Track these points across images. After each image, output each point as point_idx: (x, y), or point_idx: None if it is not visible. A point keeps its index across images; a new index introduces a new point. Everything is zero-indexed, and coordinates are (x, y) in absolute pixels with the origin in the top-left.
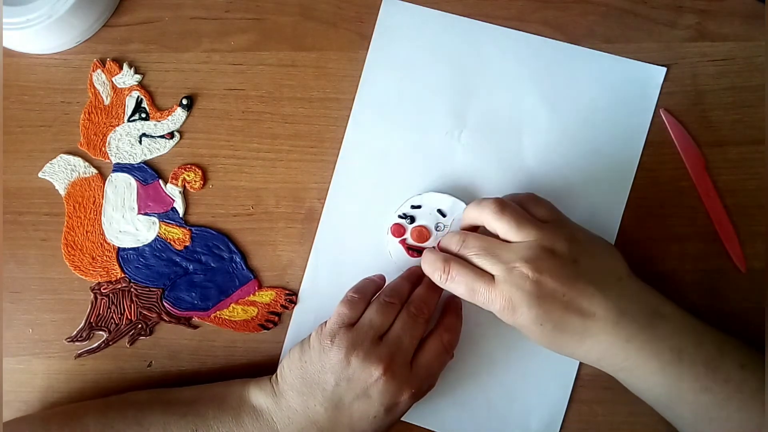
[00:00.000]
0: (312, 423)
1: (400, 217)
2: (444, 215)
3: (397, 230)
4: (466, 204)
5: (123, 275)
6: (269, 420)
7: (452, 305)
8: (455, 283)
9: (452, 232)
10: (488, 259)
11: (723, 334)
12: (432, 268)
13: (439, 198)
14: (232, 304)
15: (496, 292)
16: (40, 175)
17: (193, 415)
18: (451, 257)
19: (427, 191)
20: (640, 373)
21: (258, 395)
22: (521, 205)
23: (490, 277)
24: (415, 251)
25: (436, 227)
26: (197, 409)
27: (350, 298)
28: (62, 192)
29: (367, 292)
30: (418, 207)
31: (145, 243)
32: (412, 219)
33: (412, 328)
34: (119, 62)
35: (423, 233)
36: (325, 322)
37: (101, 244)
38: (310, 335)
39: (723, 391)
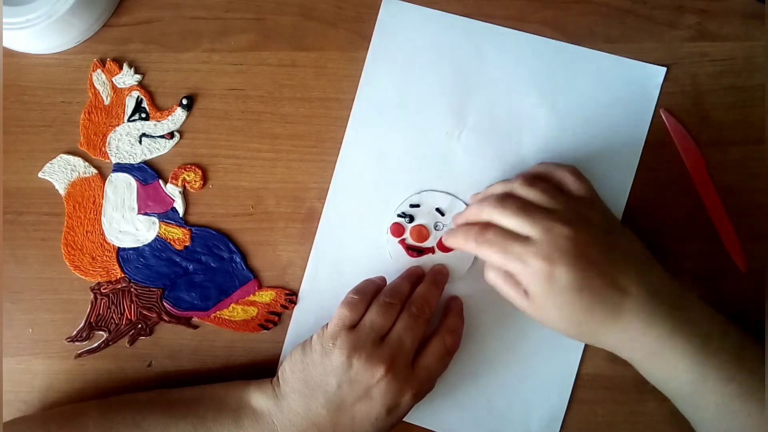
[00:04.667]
0: (313, 425)
1: (399, 216)
2: (443, 214)
3: (397, 230)
4: (465, 203)
5: (123, 275)
6: (270, 422)
7: (454, 306)
8: (488, 244)
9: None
10: (526, 218)
11: (741, 328)
12: (465, 234)
13: (437, 196)
14: (232, 304)
15: (533, 250)
16: (40, 175)
17: (193, 417)
18: (488, 224)
19: (425, 190)
20: (668, 357)
21: (259, 398)
22: (558, 177)
23: (526, 238)
24: (415, 251)
25: (435, 226)
26: (197, 411)
27: (350, 299)
28: (62, 192)
29: (368, 293)
30: (417, 206)
31: (145, 243)
32: (411, 218)
33: (414, 328)
34: (119, 62)
35: (422, 232)
36: (327, 324)
37: (101, 244)
38: (311, 337)
39: (747, 382)
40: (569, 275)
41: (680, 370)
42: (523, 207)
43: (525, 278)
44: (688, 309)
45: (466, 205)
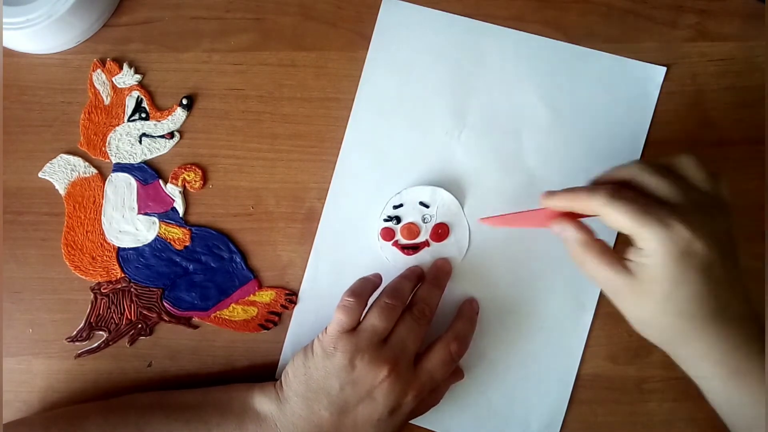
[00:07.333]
0: (316, 428)
1: (385, 220)
2: (427, 206)
3: (387, 234)
4: (445, 191)
5: (123, 275)
6: (273, 426)
7: (467, 311)
8: (626, 200)
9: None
10: (681, 186)
11: None
12: (593, 190)
13: (418, 191)
14: (232, 304)
15: (679, 216)
16: (40, 175)
17: (197, 422)
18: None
19: (404, 189)
20: (755, 377)
21: (262, 401)
22: (674, 168)
23: (671, 205)
24: (410, 249)
25: (423, 219)
26: (200, 416)
27: (346, 303)
28: (62, 192)
29: (364, 293)
30: (401, 205)
31: (145, 243)
32: (398, 219)
33: (415, 330)
34: (119, 62)
35: (413, 230)
36: (327, 327)
37: (101, 244)
38: (312, 341)
39: None
40: (706, 251)
41: (761, 395)
42: (676, 175)
43: (653, 243)
44: None
45: (448, 192)
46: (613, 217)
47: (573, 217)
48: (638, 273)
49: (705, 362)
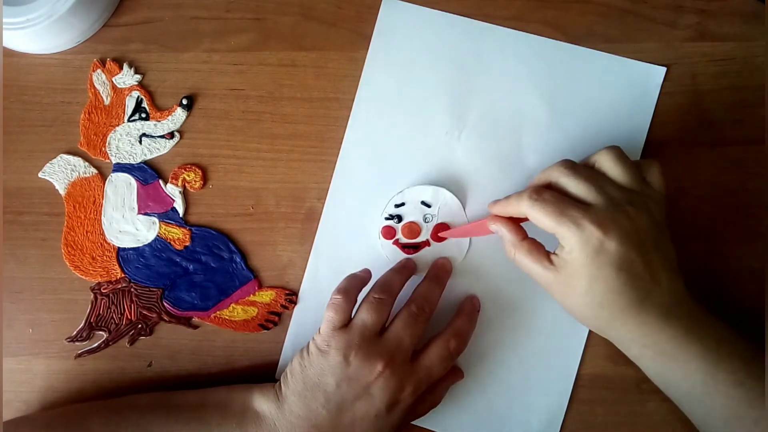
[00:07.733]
0: (314, 427)
1: (387, 218)
2: (429, 206)
3: (388, 232)
4: (448, 191)
5: (123, 275)
6: (272, 426)
7: (467, 308)
8: (544, 202)
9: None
10: (595, 185)
11: (750, 340)
12: (519, 195)
13: (420, 190)
14: (232, 304)
15: (591, 216)
16: (40, 175)
17: (197, 422)
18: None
19: (406, 187)
20: (680, 357)
21: (261, 402)
22: (644, 167)
23: (585, 205)
24: (410, 248)
25: (425, 219)
26: (201, 416)
27: (334, 301)
28: (62, 192)
29: (351, 290)
30: (402, 204)
31: (145, 243)
32: (399, 218)
33: (413, 326)
34: (119, 62)
35: (414, 229)
36: (320, 328)
37: (101, 244)
38: (308, 342)
39: (756, 388)
40: (618, 249)
41: (691, 371)
42: (595, 175)
43: (570, 242)
44: (703, 316)
45: (450, 192)
46: (537, 219)
47: (516, 221)
48: (562, 268)
49: (631, 345)
